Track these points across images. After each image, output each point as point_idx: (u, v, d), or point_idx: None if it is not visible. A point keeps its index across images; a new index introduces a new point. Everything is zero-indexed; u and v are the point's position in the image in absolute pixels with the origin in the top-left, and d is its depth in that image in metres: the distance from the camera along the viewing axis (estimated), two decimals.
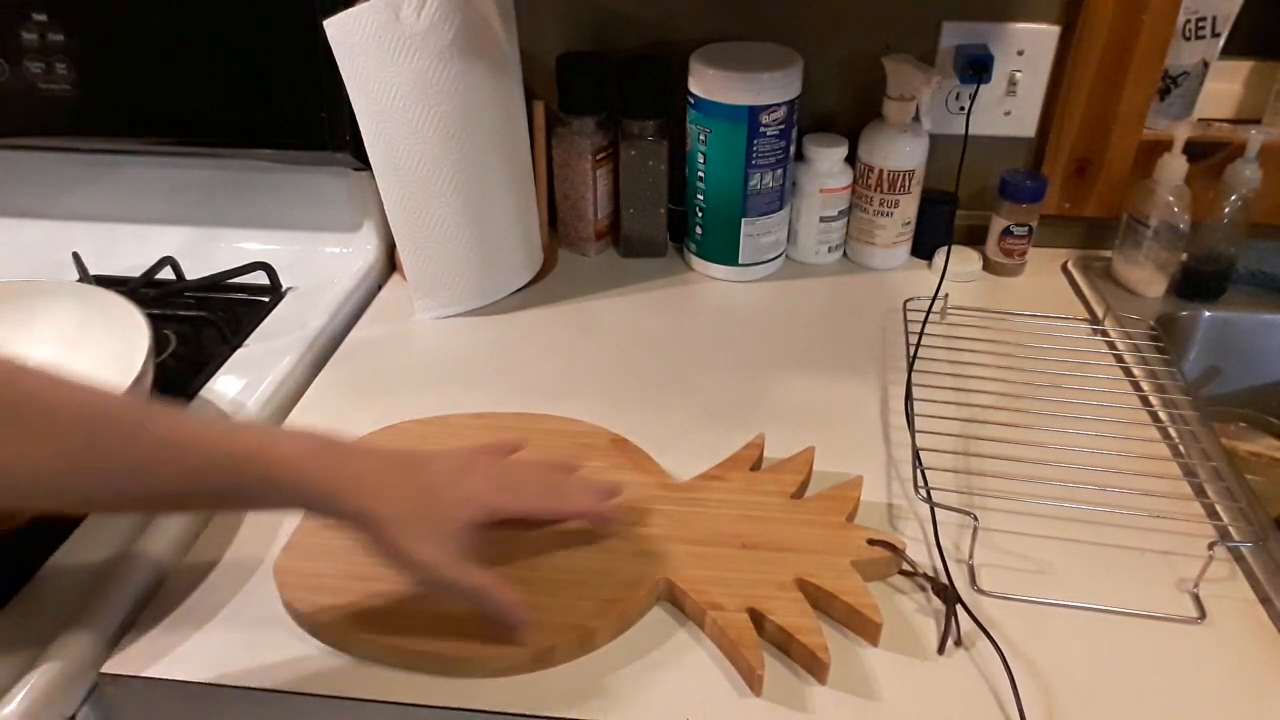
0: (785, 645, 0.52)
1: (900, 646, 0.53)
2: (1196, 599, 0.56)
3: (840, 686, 0.50)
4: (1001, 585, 0.57)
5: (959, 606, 0.54)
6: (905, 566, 0.57)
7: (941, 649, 0.52)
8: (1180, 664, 0.52)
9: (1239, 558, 0.59)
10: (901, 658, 0.52)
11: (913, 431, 0.68)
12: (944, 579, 0.56)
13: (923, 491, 0.62)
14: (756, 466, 0.64)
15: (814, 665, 0.50)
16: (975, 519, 0.58)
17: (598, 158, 0.88)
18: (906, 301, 0.84)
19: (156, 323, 0.65)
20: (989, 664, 0.52)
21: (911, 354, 0.76)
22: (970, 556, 0.58)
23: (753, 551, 0.56)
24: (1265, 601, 0.56)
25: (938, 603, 0.55)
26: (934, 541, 0.59)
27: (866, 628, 0.52)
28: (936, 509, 0.61)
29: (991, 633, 0.53)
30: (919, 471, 0.63)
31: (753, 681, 0.49)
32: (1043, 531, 0.61)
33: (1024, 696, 0.49)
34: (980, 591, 0.56)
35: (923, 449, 0.65)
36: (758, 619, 0.52)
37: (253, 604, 0.54)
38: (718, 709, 0.49)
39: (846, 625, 0.53)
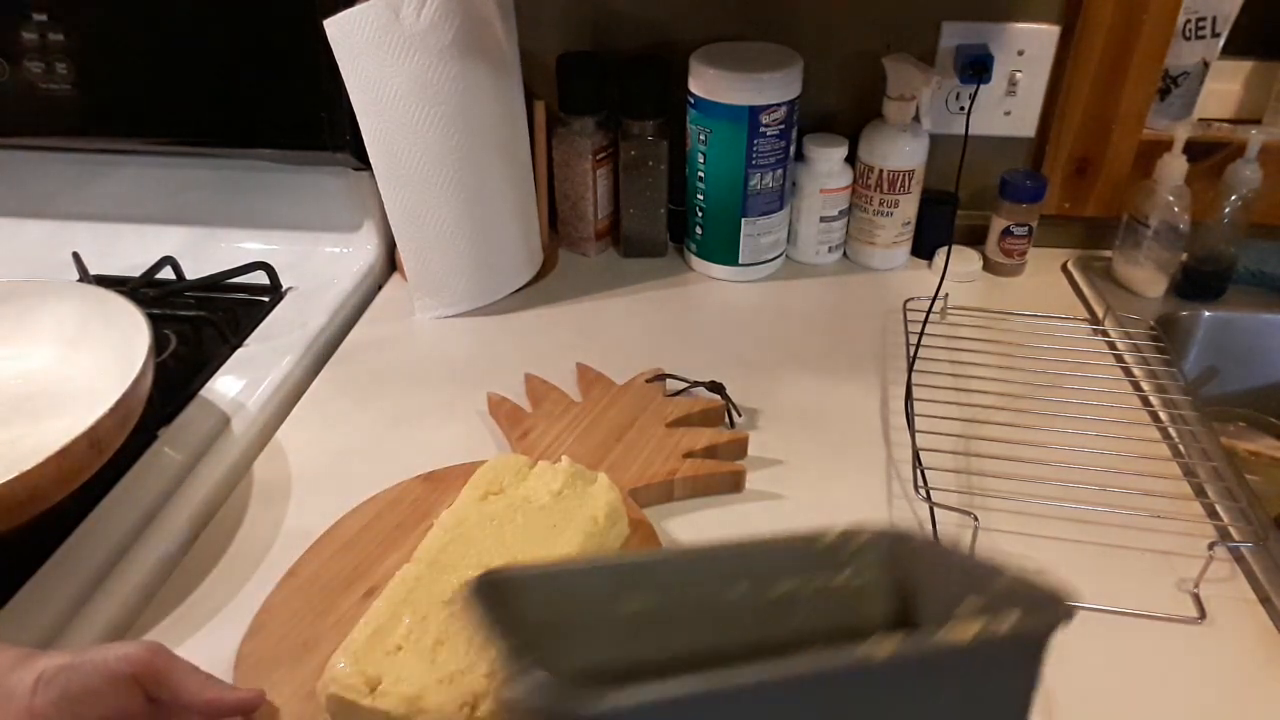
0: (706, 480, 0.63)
1: None
2: (1197, 599, 0.56)
3: None
4: None
5: None
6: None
7: (732, 424, 0.69)
8: (1180, 664, 0.52)
9: (1239, 558, 0.59)
10: None
11: (912, 431, 0.67)
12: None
13: (922, 491, 0.62)
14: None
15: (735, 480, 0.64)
16: (976, 519, 0.58)
17: (598, 158, 0.88)
18: (906, 302, 0.84)
19: (156, 323, 0.65)
20: None
21: (911, 354, 0.75)
22: None
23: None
24: (1265, 601, 0.56)
25: None
26: (932, 523, 0.59)
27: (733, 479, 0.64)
28: (936, 509, 0.61)
29: None
30: (919, 471, 0.63)
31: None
32: (1043, 531, 0.61)
33: None
34: None
35: (923, 449, 0.65)
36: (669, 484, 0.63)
37: (253, 603, 0.54)
38: None
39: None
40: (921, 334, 0.78)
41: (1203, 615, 0.55)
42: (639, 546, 0.57)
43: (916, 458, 0.64)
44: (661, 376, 0.73)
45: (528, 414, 0.70)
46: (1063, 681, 0.51)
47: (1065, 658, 0.52)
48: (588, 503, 0.55)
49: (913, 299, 0.84)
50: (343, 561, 0.56)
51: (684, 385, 0.72)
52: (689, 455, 0.64)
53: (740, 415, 0.71)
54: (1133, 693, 0.51)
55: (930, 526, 0.60)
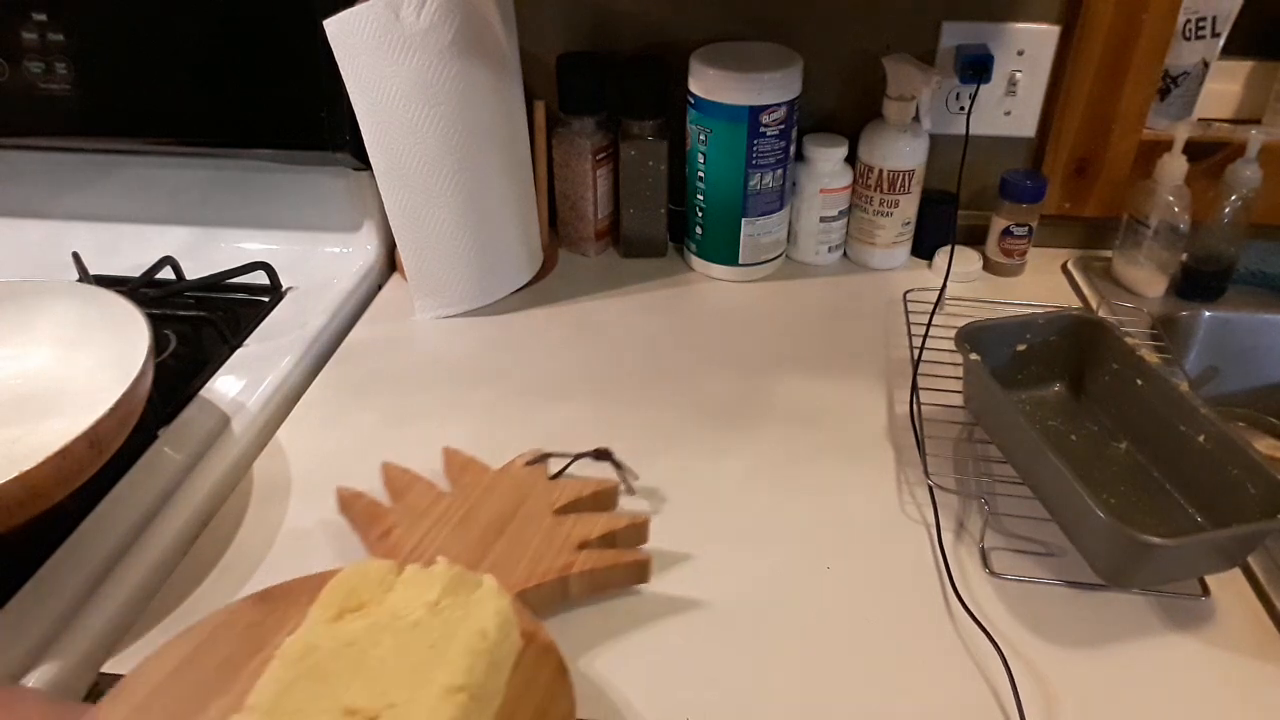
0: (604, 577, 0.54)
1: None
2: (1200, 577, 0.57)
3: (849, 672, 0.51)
4: (1011, 568, 0.58)
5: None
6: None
7: (630, 491, 0.63)
8: (1184, 639, 0.53)
9: None
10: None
11: (917, 424, 0.68)
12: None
13: (930, 480, 0.63)
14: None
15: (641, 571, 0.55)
16: (986, 503, 0.59)
17: (598, 158, 0.88)
18: (906, 293, 0.84)
19: (156, 323, 0.65)
20: (987, 657, 0.52)
21: (916, 354, 0.76)
22: (981, 540, 0.59)
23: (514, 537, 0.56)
24: (1266, 601, 0.56)
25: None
26: (934, 522, 0.60)
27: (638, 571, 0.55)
28: (944, 496, 0.62)
29: (993, 623, 0.53)
30: (925, 459, 0.64)
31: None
32: (1049, 516, 0.61)
33: (1023, 685, 0.49)
34: (992, 573, 0.57)
35: (929, 437, 0.66)
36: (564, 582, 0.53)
37: None
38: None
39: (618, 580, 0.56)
40: (926, 334, 0.77)
41: (1206, 593, 0.56)
42: (534, 662, 0.47)
43: (921, 449, 0.65)
44: (543, 457, 0.63)
45: (387, 509, 0.59)
46: (1068, 657, 0.51)
47: (1072, 634, 0.53)
48: (473, 612, 0.45)
49: (913, 290, 0.84)
50: None
51: (568, 461, 0.63)
52: (584, 546, 0.55)
53: (637, 478, 0.64)
54: (1138, 668, 0.52)
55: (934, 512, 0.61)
